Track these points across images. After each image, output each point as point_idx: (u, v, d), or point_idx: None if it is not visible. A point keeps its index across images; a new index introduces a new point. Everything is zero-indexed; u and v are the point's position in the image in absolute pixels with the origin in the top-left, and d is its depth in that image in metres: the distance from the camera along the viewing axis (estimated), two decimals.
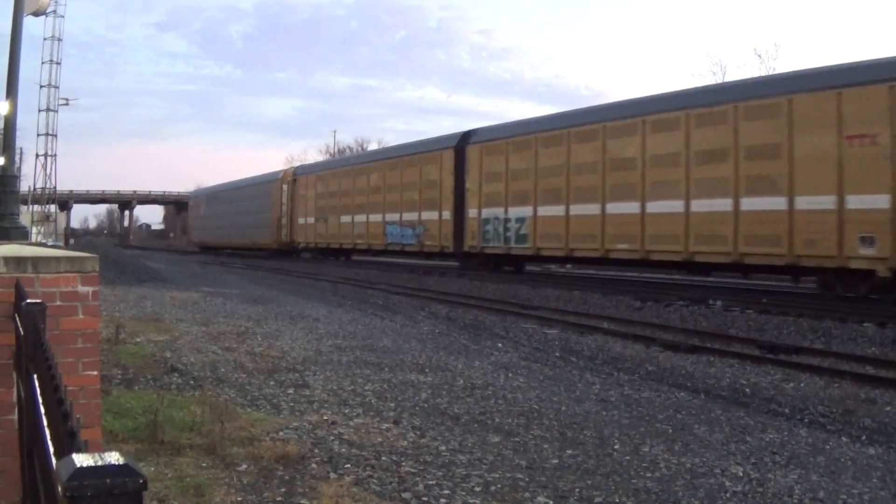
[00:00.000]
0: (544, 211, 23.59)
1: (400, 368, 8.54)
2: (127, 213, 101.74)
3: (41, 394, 1.59)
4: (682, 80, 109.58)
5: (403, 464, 4.97)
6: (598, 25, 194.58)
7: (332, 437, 5.51)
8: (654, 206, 19.78)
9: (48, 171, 46.52)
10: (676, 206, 19.07)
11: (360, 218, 34.98)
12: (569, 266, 29.36)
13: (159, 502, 4.06)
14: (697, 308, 15.27)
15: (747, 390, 8.34)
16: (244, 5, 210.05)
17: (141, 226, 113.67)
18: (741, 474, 5.10)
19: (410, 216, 30.87)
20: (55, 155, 46.04)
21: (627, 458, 5.40)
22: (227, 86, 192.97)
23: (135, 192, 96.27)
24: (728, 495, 4.68)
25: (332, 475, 4.67)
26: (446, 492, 4.48)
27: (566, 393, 7.68)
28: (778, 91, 17.01)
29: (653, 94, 21.47)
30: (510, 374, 8.53)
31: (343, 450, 5.21)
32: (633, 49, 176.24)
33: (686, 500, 4.57)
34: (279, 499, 4.24)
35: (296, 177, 43.77)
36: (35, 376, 1.86)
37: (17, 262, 3.40)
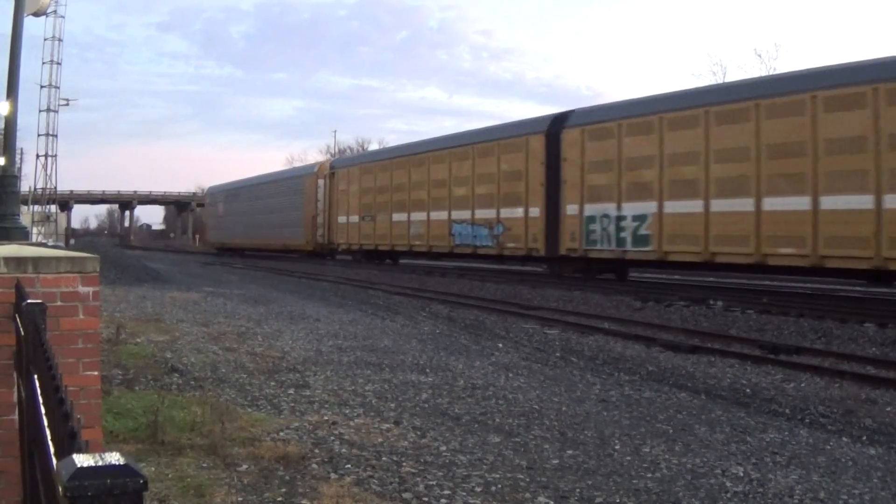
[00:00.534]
0: (674, 207, 19.24)
1: (400, 369, 8.54)
2: (127, 213, 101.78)
3: (42, 394, 1.59)
4: (682, 80, 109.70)
5: (404, 464, 4.97)
6: (598, 26, 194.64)
7: (332, 438, 5.51)
8: (831, 202, 15.73)
9: (49, 172, 46.58)
10: (864, 201, 15.11)
11: (419, 216, 30.30)
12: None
13: (160, 502, 4.06)
14: (698, 308, 15.27)
15: (748, 390, 8.34)
16: (245, 6, 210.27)
17: (141, 226, 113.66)
18: (742, 474, 5.09)
19: (485, 213, 26.27)
20: (56, 155, 46.12)
21: (628, 458, 5.39)
22: (228, 86, 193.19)
23: (135, 192, 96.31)
24: (729, 495, 4.68)
25: (333, 475, 4.67)
26: (447, 492, 4.48)
27: (567, 393, 7.67)
28: None
29: (830, 65, 17.14)
30: (511, 375, 8.53)
31: (344, 450, 5.21)
32: (634, 49, 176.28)
33: (687, 501, 4.56)
34: (280, 499, 4.24)
35: (334, 170, 38.68)
36: (36, 376, 1.86)
37: (18, 262, 3.40)
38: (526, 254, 24.79)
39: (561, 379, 8.55)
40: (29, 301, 2.74)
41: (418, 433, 5.77)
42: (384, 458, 5.06)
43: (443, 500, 4.35)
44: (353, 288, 21.67)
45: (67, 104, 45.82)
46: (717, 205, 18.20)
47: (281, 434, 5.52)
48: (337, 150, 79.67)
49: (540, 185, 23.78)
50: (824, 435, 6.51)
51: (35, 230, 36.49)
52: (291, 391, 7.10)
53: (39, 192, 47.49)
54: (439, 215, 28.99)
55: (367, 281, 23.66)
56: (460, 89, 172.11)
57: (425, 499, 4.36)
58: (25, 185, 43.10)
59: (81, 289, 3.44)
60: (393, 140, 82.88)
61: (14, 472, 3.05)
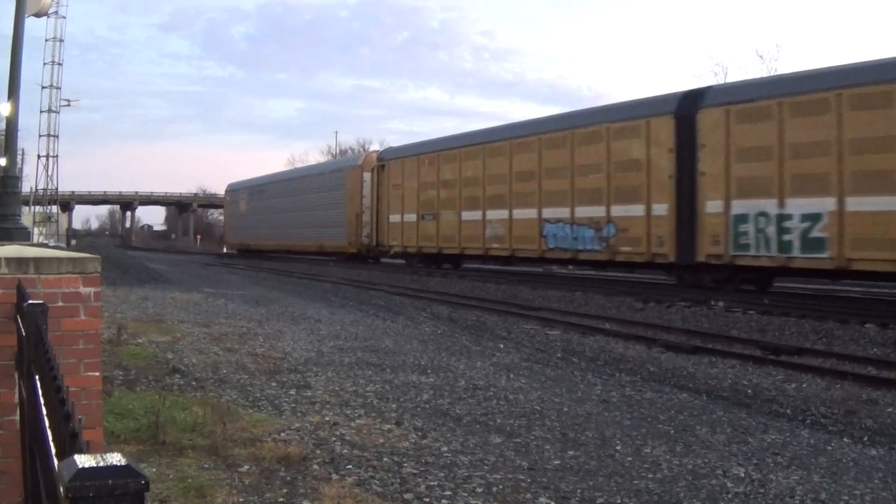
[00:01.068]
0: (861, 203, 15.36)
1: (402, 369, 8.54)
2: (129, 213, 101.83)
3: (43, 394, 1.59)
4: (682, 80, 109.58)
5: (405, 465, 4.97)
6: (600, 26, 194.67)
7: (333, 438, 5.51)
8: None
9: (50, 172, 46.63)
10: None
11: (498, 214, 25.53)
12: (569, 267, 26.59)
13: (161, 503, 4.06)
14: (699, 309, 15.26)
15: (749, 391, 8.34)
16: (247, 6, 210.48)
17: (143, 227, 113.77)
18: (743, 475, 5.09)
19: (590, 211, 21.77)
20: (57, 156, 46.18)
21: (629, 459, 5.39)
22: (230, 87, 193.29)
23: (136, 192, 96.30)
24: (730, 496, 4.68)
25: (334, 476, 4.67)
26: (448, 493, 4.48)
27: (568, 394, 7.67)
28: None
29: None
30: (512, 375, 8.53)
31: (345, 451, 5.21)
32: (636, 50, 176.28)
33: (688, 501, 4.56)
34: (281, 500, 4.24)
35: (384, 162, 33.64)
36: (37, 377, 1.86)
37: (19, 262, 3.40)
38: (648, 260, 20.32)
39: (562, 379, 8.54)
40: (30, 302, 2.75)
41: (419, 434, 5.77)
42: (385, 459, 5.06)
43: (444, 501, 4.35)
44: (354, 289, 21.67)
45: (69, 105, 45.91)
46: None
47: (282, 435, 5.53)
48: (338, 150, 79.61)
49: (668, 177, 19.46)
50: (825, 436, 6.51)
51: (36, 231, 36.54)
52: (293, 392, 7.10)
53: (41, 192, 47.55)
54: (525, 213, 24.19)
55: (368, 282, 23.67)
56: (462, 90, 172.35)
57: (426, 499, 4.36)
58: (27, 186, 43.18)
59: (83, 289, 3.44)
60: (394, 140, 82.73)
61: (15, 473, 3.05)
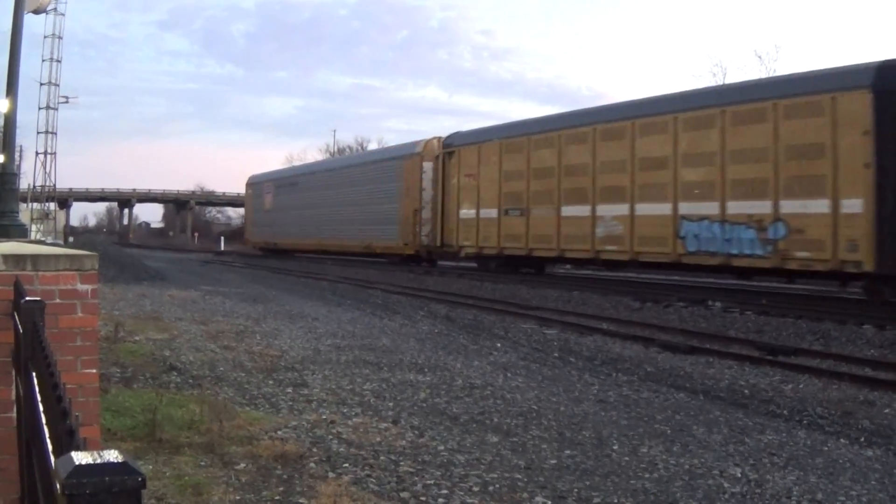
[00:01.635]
0: None
1: (399, 368, 8.54)
2: (126, 211, 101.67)
3: (40, 391, 1.59)
4: (682, 80, 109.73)
5: (402, 463, 4.97)
6: (599, 26, 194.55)
7: (330, 437, 5.51)
8: None
9: (48, 169, 46.57)
10: None
11: (614, 209, 20.93)
12: (569, 266, 26.00)
13: (157, 501, 4.06)
14: (696, 309, 15.28)
15: (746, 391, 8.35)
16: (246, 4, 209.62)
17: (140, 224, 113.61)
18: (739, 475, 5.10)
19: (749, 207, 17.53)
20: (55, 153, 46.10)
21: (626, 458, 5.40)
22: (228, 85, 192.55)
23: (134, 190, 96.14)
24: (726, 496, 4.69)
25: (331, 474, 4.67)
26: (444, 491, 4.48)
27: (565, 393, 7.68)
28: None
29: None
30: (509, 374, 8.53)
31: (341, 449, 5.21)
32: (634, 50, 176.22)
33: (684, 501, 4.57)
34: (277, 498, 4.24)
35: (452, 148, 28.71)
36: (34, 374, 1.86)
37: (17, 259, 3.39)
38: (834, 269, 16.03)
39: (559, 379, 8.55)
40: (28, 298, 2.74)
41: (416, 432, 5.77)
42: (382, 458, 5.06)
43: (440, 500, 4.35)
44: (351, 287, 21.67)
45: (67, 102, 45.85)
46: None
47: (279, 433, 5.53)
48: (336, 149, 79.55)
49: (863, 165, 15.44)
50: (822, 436, 6.52)
51: (34, 228, 36.50)
52: (290, 390, 7.10)
53: (38, 189, 47.50)
54: (654, 209, 19.72)
55: (365, 280, 23.66)
56: (461, 89, 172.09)
57: (423, 498, 4.36)
58: (24, 183, 43.08)
59: (80, 286, 3.44)
60: (392, 140, 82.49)
61: (12, 470, 3.05)
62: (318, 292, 19.99)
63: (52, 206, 50.18)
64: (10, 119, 11.04)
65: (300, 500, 4.21)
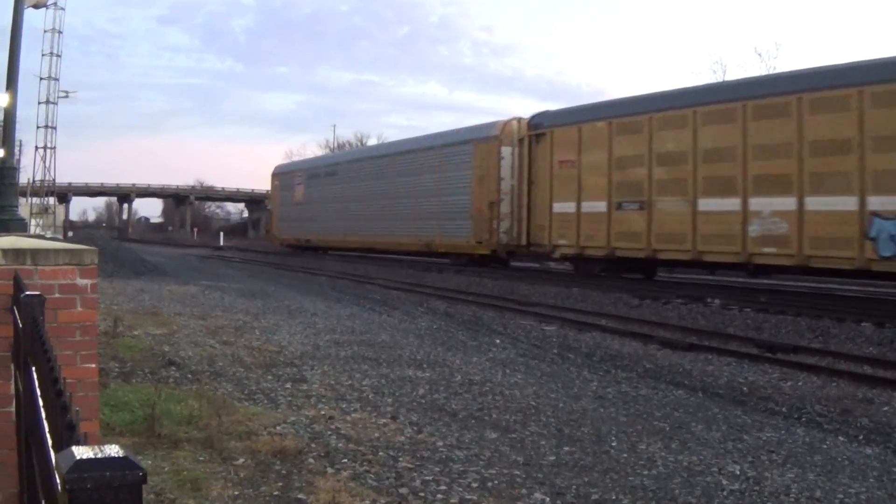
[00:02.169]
0: None
1: (398, 364, 8.54)
2: (126, 206, 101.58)
3: (40, 386, 1.58)
4: (682, 78, 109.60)
5: (400, 459, 4.97)
6: (599, 23, 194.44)
7: (329, 432, 5.51)
8: None
9: (47, 164, 46.40)
10: None
11: (772, 203, 16.91)
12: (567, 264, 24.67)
13: (156, 496, 4.06)
14: (696, 306, 15.28)
15: (745, 389, 8.35)
16: (246, 0, 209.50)
17: (140, 219, 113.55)
18: (738, 472, 5.10)
19: None
20: (54, 147, 45.91)
21: (624, 455, 5.40)
22: (229, 80, 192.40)
23: (134, 185, 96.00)
24: (725, 493, 4.69)
25: (330, 470, 4.67)
26: (443, 487, 4.48)
27: (564, 390, 7.68)
28: None
29: None
30: (508, 371, 8.54)
31: (340, 444, 5.21)
32: (634, 47, 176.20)
33: (683, 498, 4.57)
34: (276, 493, 4.24)
35: (542, 130, 23.93)
36: (33, 368, 1.86)
37: (16, 254, 3.39)
38: None
39: (558, 375, 8.55)
40: (27, 293, 2.74)
41: (415, 428, 5.78)
42: (381, 453, 5.07)
43: (439, 496, 4.36)
44: (350, 283, 21.66)
45: (67, 96, 45.63)
46: None
47: (278, 428, 5.53)
48: (336, 144, 79.43)
49: None
50: (821, 434, 6.53)
51: (33, 222, 36.42)
52: (288, 385, 7.10)
53: (38, 184, 47.39)
54: (832, 203, 15.77)
55: (364, 276, 23.65)
56: (461, 85, 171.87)
57: (421, 494, 4.36)
58: (24, 177, 43.00)
59: (79, 281, 3.43)
60: (392, 136, 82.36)
61: (10, 464, 3.05)
62: (317, 287, 19.98)
63: (52, 200, 50.05)
64: (10, 114, 11.03)
65: (299, 496, 4.21)
